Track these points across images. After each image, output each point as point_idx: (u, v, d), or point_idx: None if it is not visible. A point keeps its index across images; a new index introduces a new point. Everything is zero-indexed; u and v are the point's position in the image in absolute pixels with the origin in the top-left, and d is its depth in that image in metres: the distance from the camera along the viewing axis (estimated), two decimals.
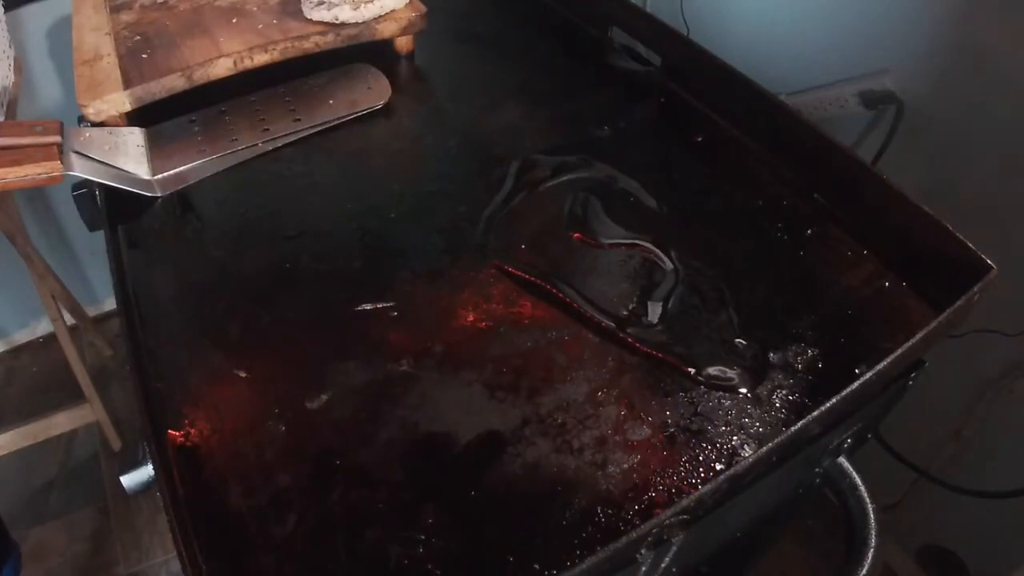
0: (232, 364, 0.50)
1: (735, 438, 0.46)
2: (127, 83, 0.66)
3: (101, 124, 0.66)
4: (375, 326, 0.53)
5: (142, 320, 0.53)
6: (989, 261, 0.50)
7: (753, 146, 0.66)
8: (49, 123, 0.59)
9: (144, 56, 0.70)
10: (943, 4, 0.78)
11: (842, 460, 0.54)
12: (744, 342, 0.51)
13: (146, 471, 0.47)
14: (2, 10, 1.02)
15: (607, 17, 0.80)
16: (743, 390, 0.49)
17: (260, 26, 0.74)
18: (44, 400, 1.43)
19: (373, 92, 0.73)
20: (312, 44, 0.73)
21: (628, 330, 0.52)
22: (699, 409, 0.48)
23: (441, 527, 0.42)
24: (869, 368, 0.45)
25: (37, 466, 1.38)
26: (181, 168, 0.64)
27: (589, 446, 0.46)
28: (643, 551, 0.41)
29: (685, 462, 0.45)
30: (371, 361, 0.50)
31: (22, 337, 1.59)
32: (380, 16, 0.75)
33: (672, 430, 0.47)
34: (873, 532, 0.51)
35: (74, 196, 0.65)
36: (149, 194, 0.63)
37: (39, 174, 0.57)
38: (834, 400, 0.43)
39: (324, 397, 0.48)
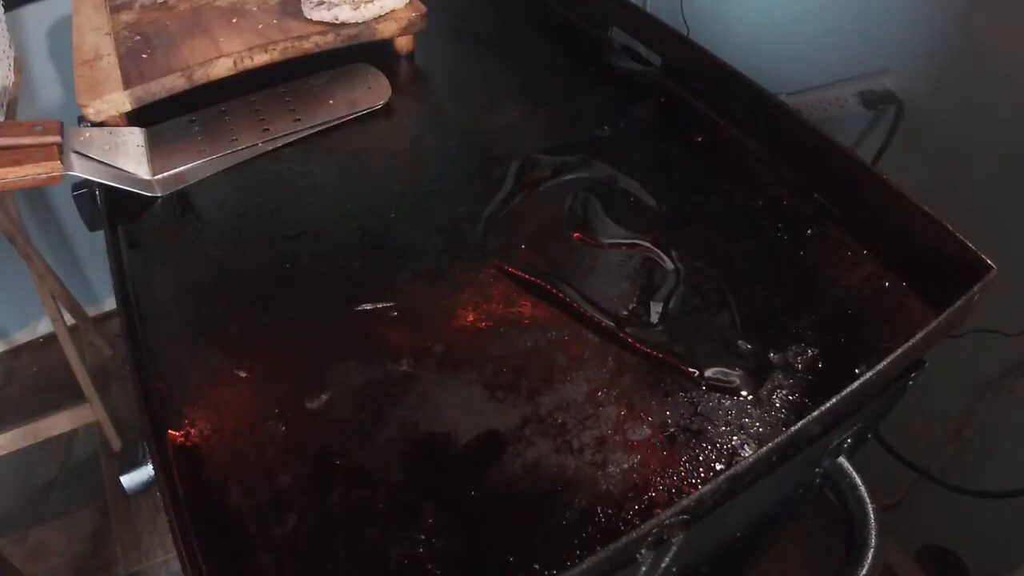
0: (232, 364, 0.50)
1: (735, 438, 0.46)
2: (127, 83, 0.66)
3: (101, 124, 0.66)
4: (375, 326, 0.53)
5: (142, 320, 0.53)
6: (989, 261, 0.50)
7: (753, 146, 0.66)
8: (49, 123, 0.59)
9: (144, 56, 0.70)
10: (943, 4, 0.78)
11: (842, 460, 0.54)
12: (744, 342, 0.51)
13: (146, 471, 0.46)
14: (2, 10, 1.02)
15: (607, 17, 0.80)
16: (744, 391, 0.49)
17: (260, 26, 0.74)
18: (44, 400, 1.42)
19: (373, 92, 0.73)
20: (312, 44, 0.73)
21: (628, 330, 0.52)
22: (699, 409, 0.48)
23: (441, 527, 0.42)
24: (869, 368, 0.45)
25: (37, 466, 1.38)
26: (181, 168, 0.64)
27: (589, 446, 0.46)
28: (643, 551, 0.41)
29: (685, 462, 0.45)
30: (371, 361, 0.50)
31: (22, 337, 1.59)
32: (380, 16, 0.75)
33: (672, 430, 0.47)
34: (873, 532, 0.51)
35: (74, 196, 0.66)
36: (149, 194, 0.63)
37: (39, 174, 0.57)
38: (834, 400, 0.43)
39: (324, 397, 0.48)
